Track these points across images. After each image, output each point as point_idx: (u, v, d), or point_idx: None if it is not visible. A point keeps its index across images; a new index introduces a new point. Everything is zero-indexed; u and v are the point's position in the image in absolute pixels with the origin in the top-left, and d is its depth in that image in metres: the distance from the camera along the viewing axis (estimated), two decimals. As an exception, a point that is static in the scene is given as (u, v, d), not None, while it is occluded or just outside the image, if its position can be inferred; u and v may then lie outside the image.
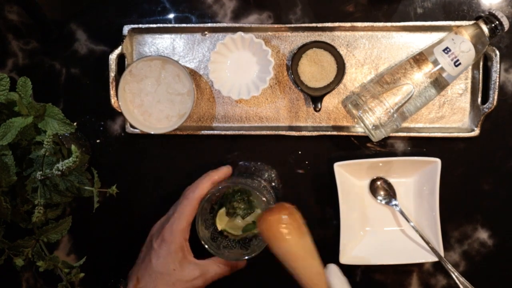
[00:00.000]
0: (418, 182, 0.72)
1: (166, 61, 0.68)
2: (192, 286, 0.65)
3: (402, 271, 0.68)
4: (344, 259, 0.69)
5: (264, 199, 0.63)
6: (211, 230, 0.67)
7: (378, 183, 0.72)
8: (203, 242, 0.64)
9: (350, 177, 0.72)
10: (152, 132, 0.69)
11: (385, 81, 0.67)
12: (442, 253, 0.68)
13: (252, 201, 0.67)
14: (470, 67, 0.71)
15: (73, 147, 0.56)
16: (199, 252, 0.65)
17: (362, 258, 0.70)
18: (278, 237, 0.57)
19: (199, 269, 0.65)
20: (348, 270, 0.73)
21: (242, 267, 0.68)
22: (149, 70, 0.69)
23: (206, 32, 0.73)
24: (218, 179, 0.66)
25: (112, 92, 0.71)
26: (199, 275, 0.65)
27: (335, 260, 0.71)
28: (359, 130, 0.72)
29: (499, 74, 0.69)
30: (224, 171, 0.68)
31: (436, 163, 0.68)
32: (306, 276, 0.58)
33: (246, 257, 0.63)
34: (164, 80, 0.69)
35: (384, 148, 0.73)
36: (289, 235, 0.57)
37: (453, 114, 0.72)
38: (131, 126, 0.73)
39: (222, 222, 0.67)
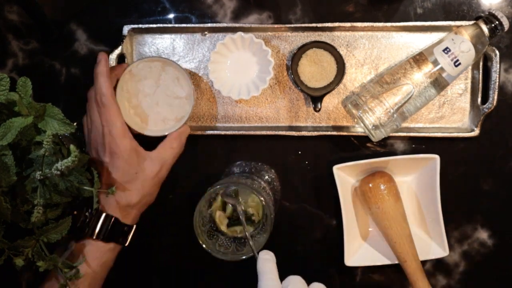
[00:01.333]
0: (418, 180, 0.72)
1: (167, 63, 0.68)
2: (159, 179, 0.67)
3: (402, 271, 0.68)
4: (349, 261, 0.69)
5: (262, 199, 0.63)
6: (208, 228, 0.67)
7: (378, 183, 0.73)
8: (200, 241, 0.64)
9: (350, 179, 0.72)
10: (146, 134, 0.68)
11: (385, 81, 0.67)
12: (446, 248, 0.68)
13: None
14: (470, 67, 0.71)
15: (71, 146, 0.56)
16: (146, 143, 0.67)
17: (366, 259, 0.71)
18: (379, 197, 0.67)
19: (158, 161, 0.66)
20: (348, 270, 0.74)
21: (187, 133, 0.69)
22: (149, 71, 0.68)
23: (206, 32, 0.73)
24: (109, 71, 0.65)
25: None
26: (159, 166, 0.66)
27: (339, 261, 0.71)
28: (359, 130, 0.72)
29: (499, 74, 0.69)
30: (122, 67, 0.68)
31: (435, 159, 0.68)
32: (396, 235, 0.67)
33: (244, 257, 0.64)
34: (163, 83, 0.69)
35: (384, 148, 0.73)
36: (388, 196, 0.67)
37: (453, 114, 0.72)
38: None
39: (220, 220, 0.68)
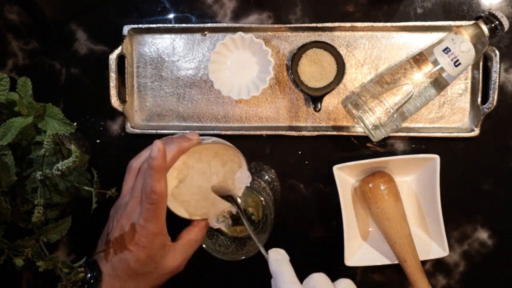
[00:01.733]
0: (418, 180, 0.72)
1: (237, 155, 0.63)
2: (177, 271, 0.61)
3: (402, 271, 0.68)
4: (349, 261, 0.69)
5: (262, 199, 0.63)
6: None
7: (378, 183, 0.73)
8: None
9: (350, 179, 0.72)
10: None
11: (385, 81, 0.67)
12: (446, 248, 0.68)
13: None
14: (470, 67, 0.71)
15: (72, 147, 0.56)
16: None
17: (366, 259, 0.70)
18: (379, 197, 0.67)
19: (180, 254, 0.60)
20: (348, 271, 0.74)
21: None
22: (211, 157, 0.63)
23: (206, 32, 0.73)
24: (165, 163, 0.56)
25: (112, 92, 0.71)
26: (181, 261, 0.60)
27: (339, 261, 0.71)
28: (359, 130, 0.72)
29: (499, 74, 0.69)
30: (195, 139, 0.60)
31: (435, 159, 0.68)
32: (396, 235, 0.67)
33: (244, 257, 0.64)
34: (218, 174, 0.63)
35: (384, 148, 0.73)
36: (388, 196, 0.67)
37: (453, 114, 0.72)
38: (131, 126, 0.73)
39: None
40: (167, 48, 0.74)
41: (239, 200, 0.63)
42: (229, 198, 0.63)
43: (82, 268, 0.58)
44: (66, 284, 0.58)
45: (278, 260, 0.50)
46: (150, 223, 0.56)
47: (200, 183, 0.62)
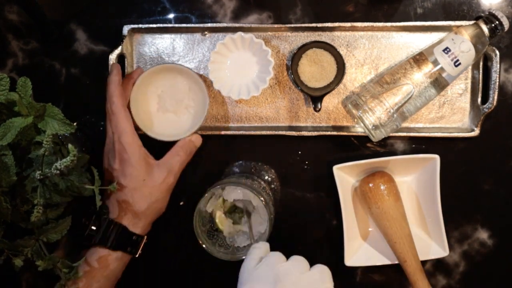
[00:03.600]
0: (418, 180, 0.72)
1: (182, 71, 0.69)
2: (167, 185, 0.67)
3: (402, 271, 0.68)
4: (349, 261, 0.69)
5: (262, 199, 0.63)
6: (208, 228, 0.67)
7: (379, 183, 0.73)
8: (200, 241, 0.64)
9: (350, 179, 0.72)
10: (157, 138, 0.69)
11: (385, 81, 0.67)
12: (446, 248, 0.68)
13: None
14: (470, 67, 0.71)
15: (70, 146, 0.56)
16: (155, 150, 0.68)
17: (366, 259, 0.71)
18: (379, 197, 0.67)
19: (165, 167, 0.66)
20: (348, 270, 0.74)
21: (198, 145, 0.70)
22: (162, 77, 0.70)
23: (206, 32, 0.73)
24: (119, 80, 0.66)
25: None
26: (167, 173, 0.66)
27: (339, 261, 0.71)
28: (359, 130, 0.72)
29: (499, 74, 0.69)
30: (138, 71, 0.69)
31: (435, 159, 0.68)
32: (396, 235, 0.67)
33: (244, 257, 0.64)
34: (176, 90, 0.70)
35: (384, 148, 0.73)
36: (388, 196, 0.67)
37: (453, 114, 0.72)
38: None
39: (220, 221, 0.68)
40: (167, 48, 0.74)
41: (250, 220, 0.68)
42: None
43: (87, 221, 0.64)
44: (65, 283, 0.58)
45: (254, 247, 0.57)
46: (120, 134, 0.64)
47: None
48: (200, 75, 0.68)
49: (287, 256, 0.56)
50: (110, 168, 0.66)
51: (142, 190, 0.65)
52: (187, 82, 0.70)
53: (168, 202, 0.68)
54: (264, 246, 0.58)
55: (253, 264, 0.55)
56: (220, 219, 0.68)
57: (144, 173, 0.65)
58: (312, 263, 0.74)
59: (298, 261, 0.55)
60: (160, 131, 0.70)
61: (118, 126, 0.64)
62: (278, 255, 0.55)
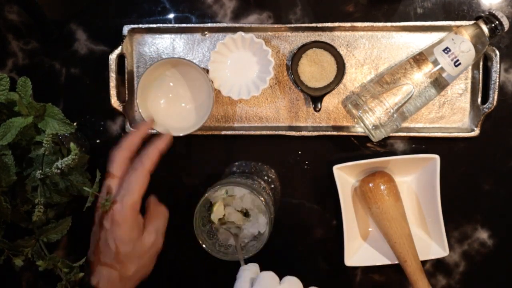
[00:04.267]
0: (418, 180, 0.72)
1: (190, 65, 0.68)
2: (156, 249, 0.64)
3: (402, 271, 0.68)
4: (349, 261, 0.69)
5: (262, 199, 0.63)
6: (208, 228, 0.67)
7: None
8: (200, 241, 0.64)
9: (350, 179, 0.72)
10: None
11: (385, 81, 0.67)
12: (446, 248, 0.68)
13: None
14: (470, 67, 0.71)
15: (72, 145, 0.56)
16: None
17: (366, 259, 0.71)
18: (379, 197, 0.67)
19: (153, 230, 0.63)
20: (348, 270, 0.74)
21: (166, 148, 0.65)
22: (166, 73, 0.70)
23: (206, 32, 0.73)
24: (164, 147, 0.63)
25: (112, 92, 0.71)
26: (155, 235, 0.63)
27: (339, 261, 0.71)
28: (359, 130, 0.72)
29: (499, 74, 0.69)
30: (169, 138, 0.66)
31: (435, 159, 0.68)
32: (396, 235, 0.67)
33: (244, 257, 0.64)
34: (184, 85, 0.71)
35: (384, 148, 0.73)
36: (388, 196, 0.67)
37: (453, 114, 0.72)
38: (131, 126, 0.73)
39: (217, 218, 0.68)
40: (167, 48, 0.74)
41: (238, 238, 0.67)
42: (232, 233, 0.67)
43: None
44: (66, 284, 0.58)
45: (243, 269, 0.55)
46: (127, 195, 0.59)
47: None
48: (203, 69, 0.67)
49: (280, 272, 0.54)
50: (100, 222, 0.62)
51: (130, 255, 0.61)
52: (193, 75, 0.69)
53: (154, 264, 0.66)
54: (254, 267, 0.55)
55: (245, 286, 0.52)
56: (218, 209, 0.67)
57: (135, 238, 0.61)
58: (312, 263, 0.75)
59: (292, 284, 0.52)
60: (166, 125, 0.69)
61: (131, 186, 0.60)
62: (271, 277, 0.52)
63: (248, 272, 0.54)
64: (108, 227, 0.60)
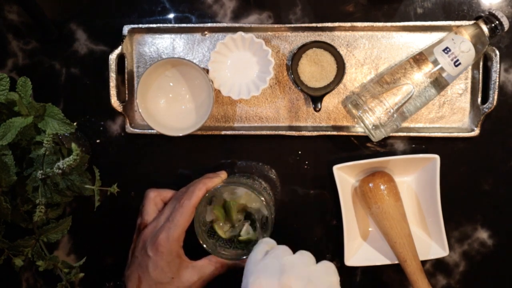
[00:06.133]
0: (418, 180, 0.72)
1: (189, 65, 0.68)
2: None
3: (402, 271, 0.68)
4: (349, 261, 0.69)
5: (263, 199, 0.63)
6: (208, 228, 0.67)
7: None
8: (200, 241, 0.64)
9: (350, 179, 0.72)
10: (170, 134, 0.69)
11: (385, 81, 0.67)
12: (446, 248, 0.68)
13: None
14: (470, 67, 0.71)
15: (73, 145, 0.56)
16: (194, 249, 0.65)
17: (366, 259, 0.71)
18: (379, 197, 0.67)
19: (197, 272, 0.65)
20: (348, 270, 0.74)
21: (239, 267, 0.67)
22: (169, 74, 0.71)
23: (206, 32, 0.73)
24: (212, 186, 0.65)
25: (112, 92, 0.71)
26: (197, 279, 0.65)
27: (339, 261, 0.71)
28: (359, 130, 0.72)
29: (499, 74, 0.69)
30: (220, 178, 0.67)
31: (435, 159, 0.68)
32: (396, 235, 0.67)
33: (244, 257, 0.63)
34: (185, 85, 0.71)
35: (384, 148, 0.73)
36: (388, 196, 0.67)
37: (453, 114, 0.72)
38: (131, 126, 0.73)
39: (219, 227, 0.67)
40: (167, 48, 0.74)
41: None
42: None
43: None
44: (66, 284, 0.58)
45: (261, 242, 0.59)
46: (173, 226, 0.62)
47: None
48: (203, 68, 0.67)
49: (294, 251, 0.56)
50: (143, 251, 0.64)
51: (168, 286, 0.63)
52: (193, 75, 0.69)
53: None
54: (271, 241, 0.59)
55: (260, 256, 0.55)
56: (220, 227, 0.68)
57: (175, 272, 0.63)
58: (312, 263, 0.74)
59: (304, 255, 0.55)
60: (166, 125, 0.69)
61: (177, 219, 0.63)
62: (285, 248, 0.56)
63: (264, 245, 0.57)
64: (151, 255, 0.62)
